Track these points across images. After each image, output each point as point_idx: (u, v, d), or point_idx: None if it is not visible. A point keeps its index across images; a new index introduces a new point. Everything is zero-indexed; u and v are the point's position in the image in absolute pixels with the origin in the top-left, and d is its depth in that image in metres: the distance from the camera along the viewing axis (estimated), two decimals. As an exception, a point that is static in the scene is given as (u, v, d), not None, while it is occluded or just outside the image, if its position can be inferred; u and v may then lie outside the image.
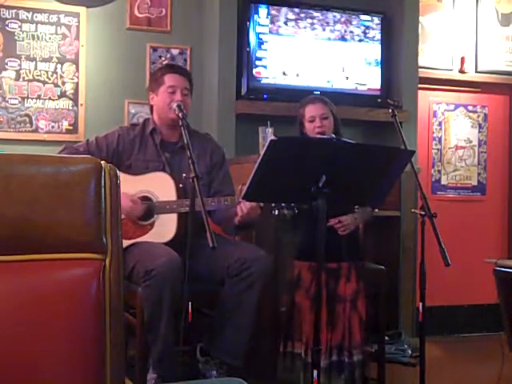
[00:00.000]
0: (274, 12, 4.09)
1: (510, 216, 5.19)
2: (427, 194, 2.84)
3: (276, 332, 3.08)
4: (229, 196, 2.87)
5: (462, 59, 4.92)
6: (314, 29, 4.20)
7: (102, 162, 1.27)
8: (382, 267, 3.43)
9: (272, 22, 4.08)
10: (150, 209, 2.88)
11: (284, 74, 4.12)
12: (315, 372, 2.24)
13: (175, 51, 4.22)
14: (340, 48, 4.27)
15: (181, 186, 2.89)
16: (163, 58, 4.15)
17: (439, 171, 4.99)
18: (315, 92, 3.97)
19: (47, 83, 3.97)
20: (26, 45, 3.94)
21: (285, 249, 3.09)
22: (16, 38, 3.92)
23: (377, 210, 3.87)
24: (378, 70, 4.35)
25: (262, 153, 2.29)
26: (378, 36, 4.35)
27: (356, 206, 3.15)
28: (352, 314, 2.98)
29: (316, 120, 3.25)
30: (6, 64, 3.90)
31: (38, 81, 3.96)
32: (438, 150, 4.99)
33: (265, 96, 4.03)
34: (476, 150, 5.09)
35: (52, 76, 3.98)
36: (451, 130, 5.04)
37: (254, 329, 2.80)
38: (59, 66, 3.99)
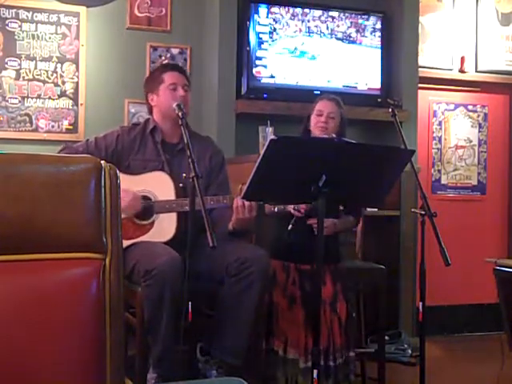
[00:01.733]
0: (273, 11, 4.09)
1: (510, 216, 5.20)
2: (427, 194, 2.83)
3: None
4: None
5: (462, 59, 4.92)
6: (313, 28, 4.20)
7: (102, 162, 1.27)
8: (382, 267, 3.43)
9: (272, 22, 4.08)
10: (148, 207, 2.87)
11: (284, 73, 4.12)
12: (315, 372, 2.24)
13: (175, 51, 4.22)
14: (340, 47, 4.27)
15: (180, 185, 2.89)
16: (163, 58, 4.15)
17: (439, 171, 4.99)
18: (315, 91, 3.98)
19: (47, 83, 3.97)
20: (26, 44, 3.94)
21: (263, 246, 3.07)
22: (16, 37, 3.92)
23: (376, 210, 3.89)
24: (378, 69, 4.35)
25: (262, 152, 2.29)
26: (378, 36, 4.35)
27: (341, 208, 3.11)
28: (332, 317, 2.97)
29: (323, 116, 3.23)
30: (6, 63, 3.90)
31: (38, 80, 3.96)
32: (437, 149, 4.99)
33: (265, 95, 4.03)
34: (476, 150, 5.09)
35: (52, 75, 3.98)
36: (451, 130, 5.04)
37: (253, 328, 2.80)
38: (59, 65, 3.99)
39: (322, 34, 4.22)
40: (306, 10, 4.18)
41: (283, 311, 2.97)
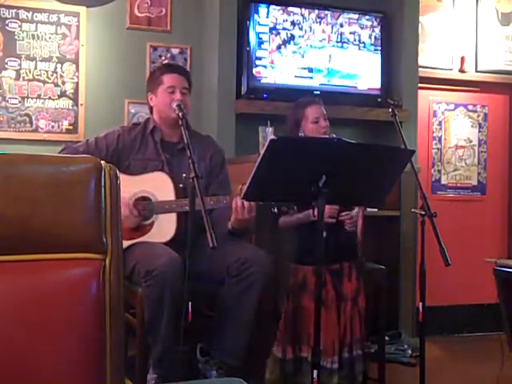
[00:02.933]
0: (273, 11, 4.09)
1: (510, 216, 5.19)
2: (427, 194, 2.83)
3: (272, 334, 3.07)
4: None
5: (462, 59, 4.92)
6: (313, 28, 4.20)
7: (102, 162, 1.26)
8: (382, 267, 3.42)
9: (272, 22, 4.08)
10: (148, 210, 2.87)
11: (284, 73, 4.12)
12: (315, 372, 2.24)
13: (175, 51, 4.22)
14: (340, 47, 4.26)
15: (180, 185, 2.88)
16: (163, 58, 4.15)
17: (439, 171, 4.99)
18: (315, 92, 3.98)
19: (47, 83, 3.97)
20: (26, 44, 3.94)
21: (285, 252, 3.09)
22: (16, 37, 3.92)
23: (376, 210, 3.89)
24: (378, 69, 4.35)
25: (262, 152, 2.29)
26: (378, 36, 4.35)
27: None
28: (354, 311, 3.00)
29: (321, 120, 3.24)
30: (6, 63, 3.90)
31: (38, 80, 3.96)
32: (437, 149, 4.99)
33: (265, 95, 4.03)
34: (476, 150, 5.09)
35: (52, 76, 3.98)
36: (451, 130, 5.04)
37: (254, 329, 2.80)
38: (59, 65, 3.99)
39: (322, 34, 4.22)
40: (306, 10, 4.18)
41: (312, 316, 2.96)
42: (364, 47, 4.32)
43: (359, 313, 3.02)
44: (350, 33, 4.28)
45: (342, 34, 4.27)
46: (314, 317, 2.31)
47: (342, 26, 4.27)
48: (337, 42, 4.26)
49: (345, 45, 4.28)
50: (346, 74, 4.28)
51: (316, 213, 2.82)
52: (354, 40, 4.30)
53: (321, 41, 4.22)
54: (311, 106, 3.27)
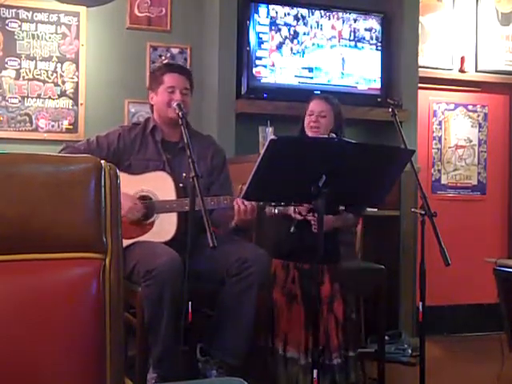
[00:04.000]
0: (273, 11, 4.09)
1: (510, 216, 5.19)
2: (427, 194, 2.83)
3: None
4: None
5: (462, 59, 4.92)
6: (313, 28, 4.20)
7: (102, 162, 1.26)
8: (382, 267, 3.43)
9: (272, 22, 4.08)
10: (149, 209, 2.87)
11: (284, 73, 4.12)
12: (315, 372, 2.24)
13: (175, 50, 4.22)
14: (340, 47, 4.27)
15: (181, 185, 2.88)
16: (163, 58, 4.15)
17: (439, 171, 4.99)
18: (315, 91, 3.97)
19: (47, 82, 3.97)
20: (26, 44, 3.94)
21: (263, 246, 3.08)
22: (16, 37, 3.92)
23: (376, 210, 3.89)
24: (378, 69, 4.35)
25: (262, 152, 2.29)
26: (378, 36, 4.35)
27: (342, 208, 3.10)
28: (329, 317, 2.96)
29: (313, 116, 3.22)
30: (6, 63, 3.90)
31: (38, 80, 3.96)
32: (437, 149, 4.99)
33: (265, 95, 4.03)
34: (476, 150, 5.09)
35: (52, 75, 3.98)
36: (451, 130, 5.04)
37: (253, 328, 2.80)
38: (59, 65, 3.99)
39: (322, 34, 4.22)
40: (306, 10, 4.18)
41: (282, 309, 2.97)
42: (364, 47, 4.32)
43: (336, 320, 2.97)
44: (350, 33, 4.28)
45: (341, 34, 4.27)
46: (311, 316, 2.31)
47: (341, 26, 4.26)
48: (337, 42, 4.26)
49: (345, 44, 4.28)
50: (346, 73, 4.28)
51: (297, 210, 2.84)
52: (354, 40, 4.30)
53: (321, 41, 4.22)
54: (312, 101, 3.26)
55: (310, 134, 3.19)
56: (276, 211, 2.80)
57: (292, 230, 2.92)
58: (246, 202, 2.70)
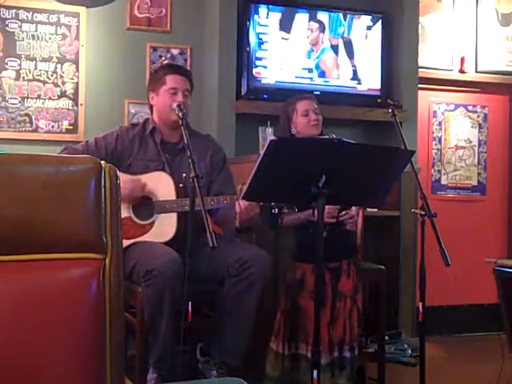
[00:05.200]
0: (273, 12, 4.09)
1: (510, 216, 5.20)
2: (427, 194, 2.83)
3: (268, 331, 3.07)
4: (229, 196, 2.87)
5: (462, 59, 4.92)
6: (314, 29, 4.20)
7: (102, 162, 1.26)
8: (382, 267, 3.43)
9: (272, 22, 4.08)
10: (149, 199, 2.88)
11: (284, 74, 4.12)
12: (315, 372, 2.24)
13: (175, 51, 4.22)
14: (340, 47, 4.27)
15: (181, 185, 2.89)
16: (163, 58, 4.15)
17: (439, 171, 4.99)
18: (315, 92, 3.98)
19: (47, 83, 3.97)
20: (26, 45, 3.94)
21: (285, 249, 3.09)
22: (16, 37, 3.92)
23: (376, 210, 3.89)
24: (378, 69, 4.35)
25: (261, 153, 2.29)
26: (378, 36, 4.35)
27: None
28: (352, 309, 3.00)
29: (310, 113, 3.22)
30: (6, 64, 3.90)
31: (38, 80, 3.96)
32: (437, 149, 4.99)
33: (265, 96, 4.03)
34: (476, 150, 5.09)
35: (52, 76, 3.98)
36: (451, 130, 5.04)
37: (254, 329, 2.80)
38: (59, 65, 3.99)
39: (322, 34, 4.22)
40: (306, 11, 4.18)
41: (311, 314, 2.95)
42: (364, 47, 4.32)
43: (358, 311, 3.03)
44: (350, 33, 4.28)
45: (342, 34, 4.27)
46: (314, 317, 2.31)
47: (341, 26, 4.27)
48: (337, 41, 4.26)
49: (345, 44, 4.28)
50: (346, 74, 4.28)
51: (316, 213, 2.83)
52: (354, 40, 4.30)
53: (321, 41, 4.22)
54: (301, 101, 3.26)
55: (311, 132, 3.19)
56: (276, 211, 2.80)
57: (325, 234, 2.90)
58: (246, 202, 2.70)
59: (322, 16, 4.22)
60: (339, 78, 4.26)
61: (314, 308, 2.91)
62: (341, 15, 4.27)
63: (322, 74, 4.22)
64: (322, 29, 4.22)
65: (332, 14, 4.25)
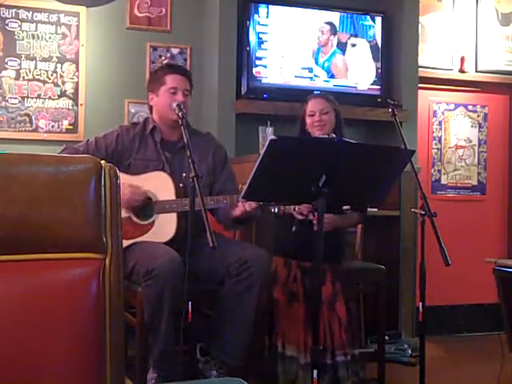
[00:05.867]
0: (273, 11, 4.09)
1: (509, 216, 5.19)
2: (427, 194, 2.83)
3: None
4: (232, 194, 2.86)
5: (462, 59, 4.92)
6: (313, 28, 4.20)
7: (102, 162, 1.26)
8: (382, 267, 3.43)
9: (272, 22, 4.08)
10: (149, 199, 2.87)
11: (284, 73, 4.12)
12: (315, 372, 2.24)
13: (175, 51, 4.22)
14: (340, 47, 4.27)
15: (181, 185, 2.89)
16: (163, 58, 4.15)
17: (439, 171, 4.99)
18: (315, 91, 3.97)
19: (47, 83, 3.97)
20: (26, 44, 3.94)
21: (263, 243, 3.08)
22: (16, 37, 3.92)
23: (376, 210, 3.89)
24: (378, 69, 4.35)
25: (261, 152, 2.29)
26: (378, 36, 4.35)
27: (347, 208, 3.10)
28: (331, 316, 2.96)
29: (316, 115, 3.24)
30: (6, 63, 3.90)
31: (38, 80, 3.96)
32: (437, 149, 4.99)
33: (265, 95, 4.03)
34: (476, 150, 5.09)
35: (52, 75, 3.98)
36: (451, 130, 5.04)
37: (254, 329, 2.80)
38: (59, 65, 3.99)
39: (321, 34, 4.22)
40: (306, 11, 4.18)
41: (283, 308, 2.98)
42: (364, 47, 4.32)
43: (338, 319, 2.97)
44: (350, 33, 4.28)
45: (342, 34, 4.27)
46: (312, 316, 2.31)
47: (341, 26, 4.26)
48: (337, 41, 4.26)
49: (345, 44, 4.28)
50: (346, 73, 4.28)
51: (298, 209, 2.85)
52: (354, 40, 4.30)
53: (321, 41, 4.22)
54: (310, 101, 3.29)
55: (316, 133, 3.21)
56: (276, 210, 2.81)
57: (293, 229, 2.93)
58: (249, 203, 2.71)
59: (323, 15, 4.22)
60: (339, 78, 4.26)
61: (286, 302, 2.94)
62: (341, 15, 4.26)
63: (322, 74, 4.22)
64: (322, 28, 4.22)
65: (332, 13, 4.25)
